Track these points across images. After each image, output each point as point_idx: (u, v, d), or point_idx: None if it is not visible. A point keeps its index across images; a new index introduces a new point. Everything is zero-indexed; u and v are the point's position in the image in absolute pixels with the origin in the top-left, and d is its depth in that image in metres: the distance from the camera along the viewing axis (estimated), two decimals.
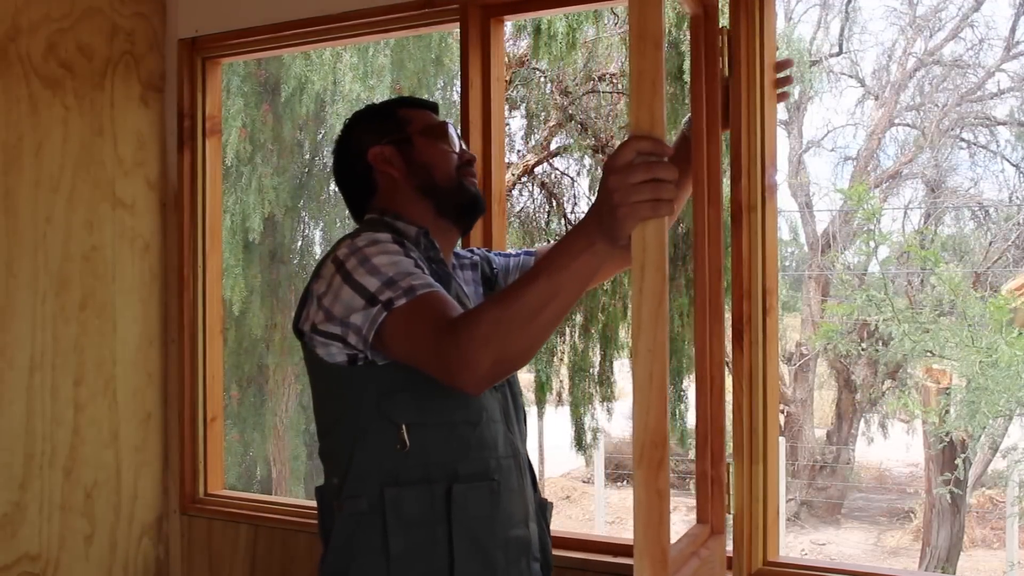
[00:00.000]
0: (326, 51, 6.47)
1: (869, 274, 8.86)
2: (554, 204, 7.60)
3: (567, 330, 7.30)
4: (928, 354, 6.90)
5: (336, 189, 7.60)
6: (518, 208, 7.62)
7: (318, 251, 7.56)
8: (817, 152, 13.07)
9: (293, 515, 2.51)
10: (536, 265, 1.30)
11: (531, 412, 7.52)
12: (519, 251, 1.86)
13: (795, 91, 9.79)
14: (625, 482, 11.54)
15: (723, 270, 1.81)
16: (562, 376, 7.68)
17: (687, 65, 5.89)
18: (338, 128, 6.80)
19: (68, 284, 2.48)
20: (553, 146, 7.60)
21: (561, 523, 9.75)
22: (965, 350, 6.35)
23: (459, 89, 2.28)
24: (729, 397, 1.88)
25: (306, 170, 7.38)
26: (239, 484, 7.43)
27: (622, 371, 7.96)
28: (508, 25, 2.73)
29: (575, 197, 7.70)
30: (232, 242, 6.68)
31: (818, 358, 10.53)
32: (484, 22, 2.23)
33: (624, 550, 2.07)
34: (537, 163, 7.58)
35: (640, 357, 1.15)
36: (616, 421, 8.92)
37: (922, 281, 8.94)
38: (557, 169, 7.76)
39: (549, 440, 9.80)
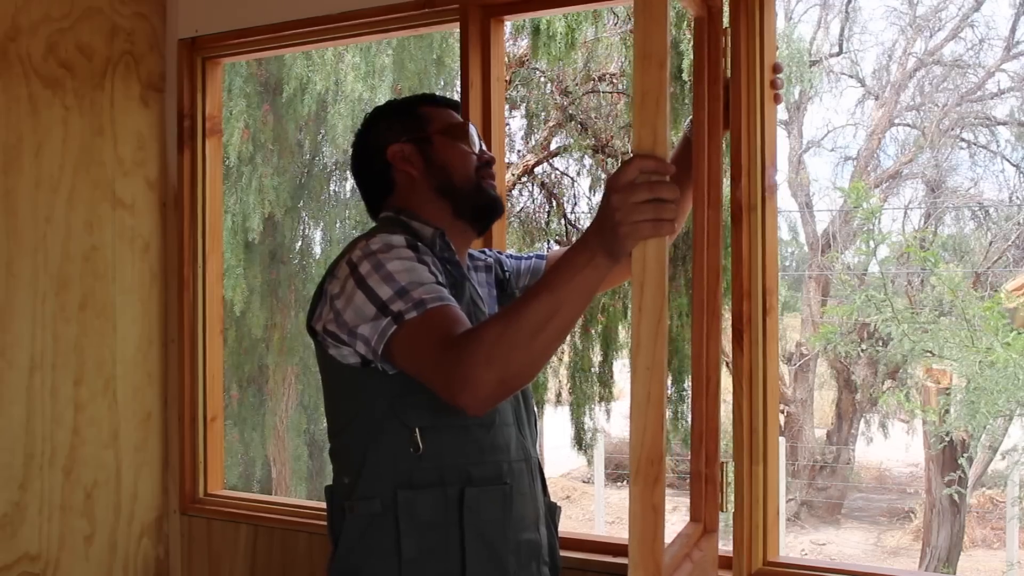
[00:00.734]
0: (328, 51, 6.47)
1: (869, 274, 8.85)
2: (554, 204, 7.60)
3: None
4: (928, 354, 6.90)
5: (336, 189, 7.63)
6: (518, 208, 7.62)
7: (318, 251, 7.56)
8: (817, 152, 13.07)
9: (293, 515, 2.51)
10: (537, 283, 1.30)
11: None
12: (530, 254, 1.86)
13: (795, 91, 9.78)
14: (625, 482, 11.52)
15: (722, 271, 1.81)
16: (562, 376, 7.68)
17: (686, 64, 5.88)
18: (340, 128, 6.74)
19: (68, 284, 2.47)
20: (553, 146, 7.61)
21: (561, 523, 9.67)
22: (965, 350, 6.35)
23: (459, 89, 2.27)
24: (729, 397, 1.88)
25: (306, 170, 7.38)
26: (239, 484, 7.43)
27: (622, 371, 7.96)
28: (508, 25, 2.73)
29: (575, 197, 7.71)
30: (233, 242, 6.68)
31: (818, 358, 10.53)
32: (484, 22, 2.22)
33: (624, 550, 2.06)
34: (537, 163, 7.58)
35: (638, 375, 1.16)
36: (616, 421, 8.93)
37: (922, 281, 8.94)
38: (557, 169, 7.77)
39: (549, 440, 9.79)
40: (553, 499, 1.68)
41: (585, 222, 7.58)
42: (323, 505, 1.72)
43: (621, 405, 8.29)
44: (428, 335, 1.35)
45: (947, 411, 6.86)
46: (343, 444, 1.55)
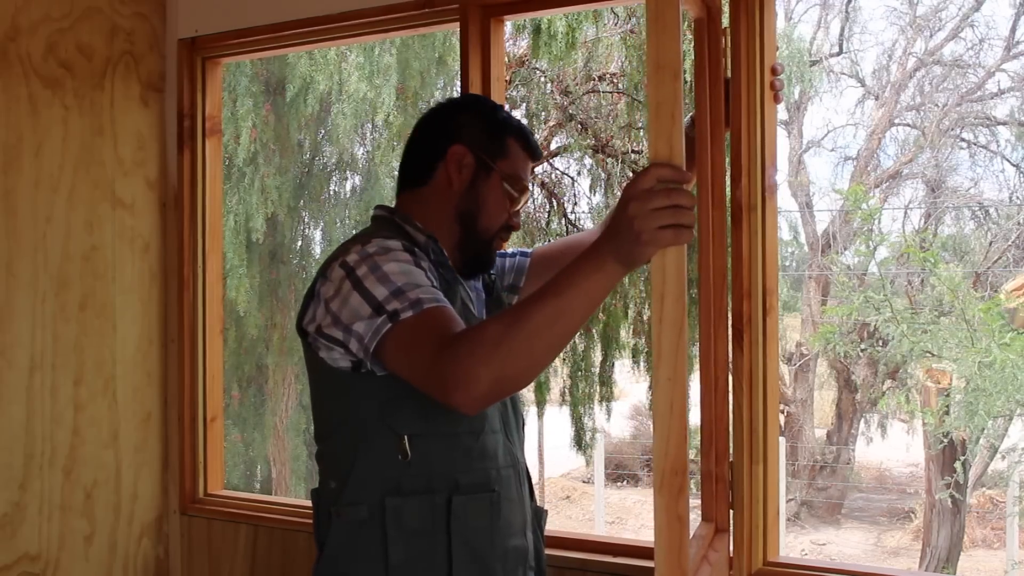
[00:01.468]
0: (331, 50, 6.47)
1: (869, 274, 8.86)
2: (554, 204, 7.60)
3: None
4: (928, 355, 6.91)
5: (336, 189, 7.62)
6: None
7: (318, 251, 7.56)
8: (817, 152, 13.08)
9: (293, 515, 2.51)
10: (544, 285, 1.28)
11: (531, 412, 7.53)
12: (514, 251, 1.84)
13: (795, 91, 9.78)
14: (625, 482, 11.54)
15: (727, 271, 1.82)
16: (562, 376, 7.69)
17: (687, 64, 5.88)
18: (342, 127, 6.69)
19: (68, 284, 2.47)
20: (553, 146, 7.61)
21: (561, 523, 9.74)
22: (964, 351, 6.36)
23: (459, 89, 2.27)
24: (729, 397, 1.88)
25: (306, 170, 7.38)
26: (240, 484, 7.43)
27: (622, 371, 7.97)
28: (508, 25, 2.73)
29: (575, 197, 7.70)
30: (235, 242, 6.68)
31: (818, 358, 10.53)
32: (484, 22, 2.22)
33: (624, 550, 2.07)
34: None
35: (661, 386, 1.16)
36: (616, 421, 8.94)
37: (922, 281, 8.94)
38: (557, 169, 7.77)
39: (549, 440, 9.79)
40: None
41: (585, 222, 7.58)
42: None
43: (621, 405, 8.29)
44: (424, 334, 1.34)
45: (946, 412, 6.86)
46: (330, 448, 1.54)
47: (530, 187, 1.62)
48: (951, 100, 10.22)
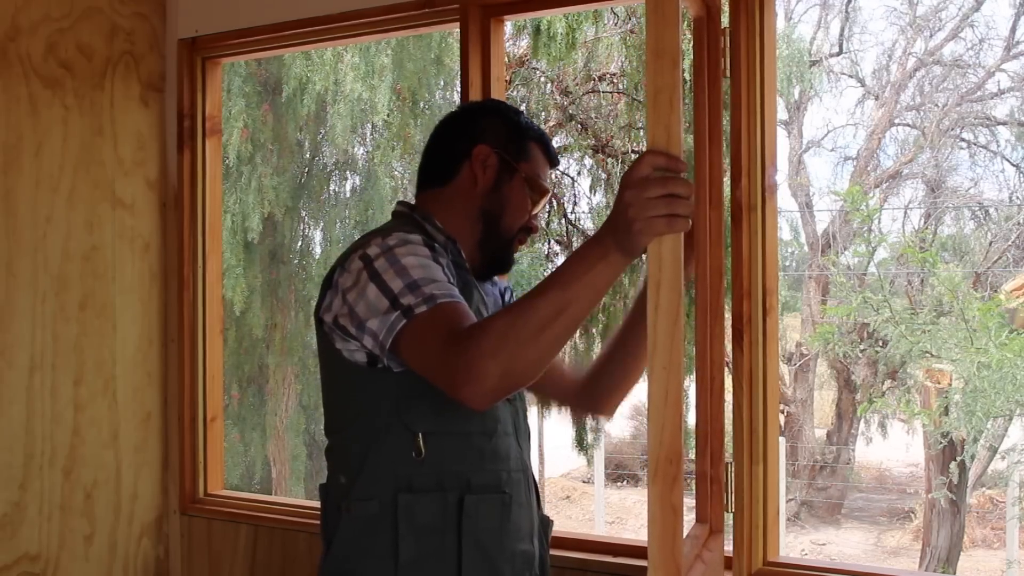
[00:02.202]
0: (327, 51, 6.47)
1: (869, 274, 8.86)
2: (554, 204, 7.60)
3: None
4: (927, 355, 6.91)
5: (336, 189, 7.62)
6: None
7: (318, 251, 7.56)
8: (817, 152, 13.06)
9: (293, 515, 2.51)
10: (548, 277, 1.28)
11: (531, 412, 7.51)
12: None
13: (795, 91, 9.78)
14: (625, 482, 11.54)
15: (724, 270, 1.82)
16: None
17: (686, 64, 5.88)
18: (339, 128, 6.70)
19: (68, 284, 2.47)
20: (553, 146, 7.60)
21: (561, 523, 9.70)
22: (963, 351, 6.36)
23: (459, 89, 2.27)
24: (729, 397, 1.88)
25: (306, 170, 7.38)
26: (240, 484, 7.43)
27: None
28: (508, 25, 2.73)
29: (575, 197, 7.69)
30: (233, 242, 6.68)
31: (818, 358, 10.53)
32: (484, 22, 2.22)
33: (624, 550, 2.07)
34: None
35: (656, 375, 1.16)
36: (616, 421, 8.94)
37: (922, 281, 8.95)
38: (557, 169, 7.77)
39: (549, 440, 9.79)
40: (552, 499, 1.68)
41: (585, 222, 7.57)
42: None
43: (621, 405, 8.28)
44: (436, 328, 1.34)
45: (946, 412, 6.86)
46: (342, 443, 1.53)
47: (550, 190, 1.63)
48: (951, 100, 10.22)
